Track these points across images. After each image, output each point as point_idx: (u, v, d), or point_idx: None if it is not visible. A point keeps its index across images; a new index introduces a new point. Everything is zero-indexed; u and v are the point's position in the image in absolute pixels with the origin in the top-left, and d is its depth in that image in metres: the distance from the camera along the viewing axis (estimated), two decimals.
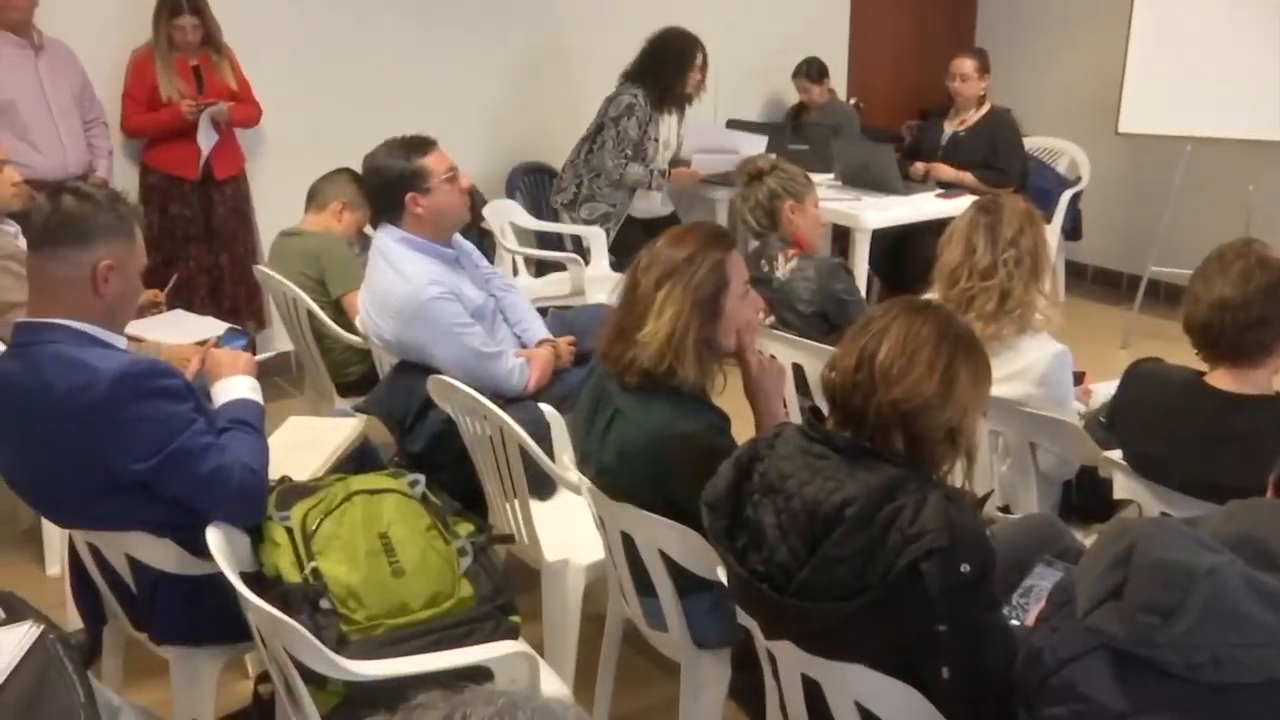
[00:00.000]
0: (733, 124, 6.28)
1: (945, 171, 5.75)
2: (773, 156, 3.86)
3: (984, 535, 1.83)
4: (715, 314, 2.38)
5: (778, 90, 6.74)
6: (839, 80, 6.83)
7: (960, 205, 4.78)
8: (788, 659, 1.96)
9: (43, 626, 2.00)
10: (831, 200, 5.26)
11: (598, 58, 5.70)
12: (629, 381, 2.39)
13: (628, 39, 6.00)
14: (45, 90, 4.50)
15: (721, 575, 2.14)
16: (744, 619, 2.07)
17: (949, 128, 5.91)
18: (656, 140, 5.49)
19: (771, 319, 3.49)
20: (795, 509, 1.88)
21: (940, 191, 5.64)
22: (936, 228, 3.24)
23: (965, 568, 1.74)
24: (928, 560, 1.73)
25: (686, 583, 2.40)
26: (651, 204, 5.64)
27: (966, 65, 5.79)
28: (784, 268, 3.69)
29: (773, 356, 2.65)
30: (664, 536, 2.34)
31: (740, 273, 2.45)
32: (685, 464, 2.28)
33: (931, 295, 2.90)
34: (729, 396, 2.51)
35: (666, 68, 5.41)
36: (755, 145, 5.47)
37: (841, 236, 5.68)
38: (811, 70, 6.42)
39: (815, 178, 4.06)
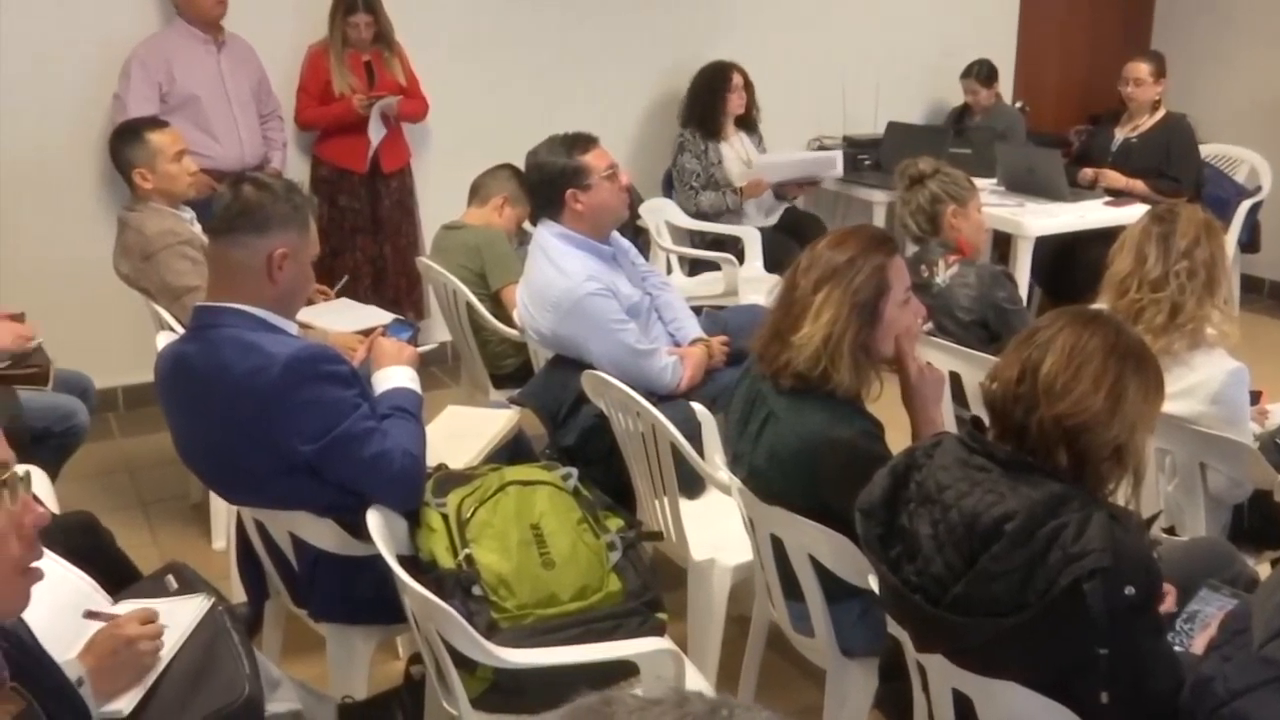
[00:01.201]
0: (892, 126, 6.18)
1: (1115, 179, 5.57)
2: (934, 160, 3.78)
3: (1150, 557, 1.77)
4: (874, 319, 2.35)
5: (941, 92, 6.61)
6: (1005, 83, 6.66)
7: (1130, 214, 4.64)
8: (939, 673, 1.92)
9: (213, 599, 2.09)
10: (994, 205, 5.14)
11: (755, 61, 5.68)
12: (783, 384, 2.38)
13: (783, 42, 6.01)
14: (226, 84, 4.69)
15: (872, 583, 2.11)
16: (894, 629, 2.04)
17: (1120, 134, 5.72)
18: (720, 163, 5.56)
19: (930, 325, 3.43)
20: (953, 521, 1.84)
21: (1108, 199, 5.45)
22: (1102, 236, 3.14)
23: (1130, 590, 1.69)
24: (1090, 580, 1.68)
25: (835, 589, 2.38)
26: (752, 219, 5.64)
27: (1141, 69, 5.59)
28: (944, 274, 3.62)
29: (930, 364, 2.60)
30: (814, 541, 2.32)
31: (902, 278, 2.41)
32: (837, 469, 2.26)
33: (1098, 306, 2.81)
34: (884, 404, 2.47)
35: (700, 99, 5.59)
36: (829, 164, 5.64)
37: (1002, 243, 5.55)
38: (982, 72, 6.28)
39: (978, 182, 3.97)
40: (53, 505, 2.83)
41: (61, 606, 1.96)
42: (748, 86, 5.61)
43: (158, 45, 4.61)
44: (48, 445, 3.38)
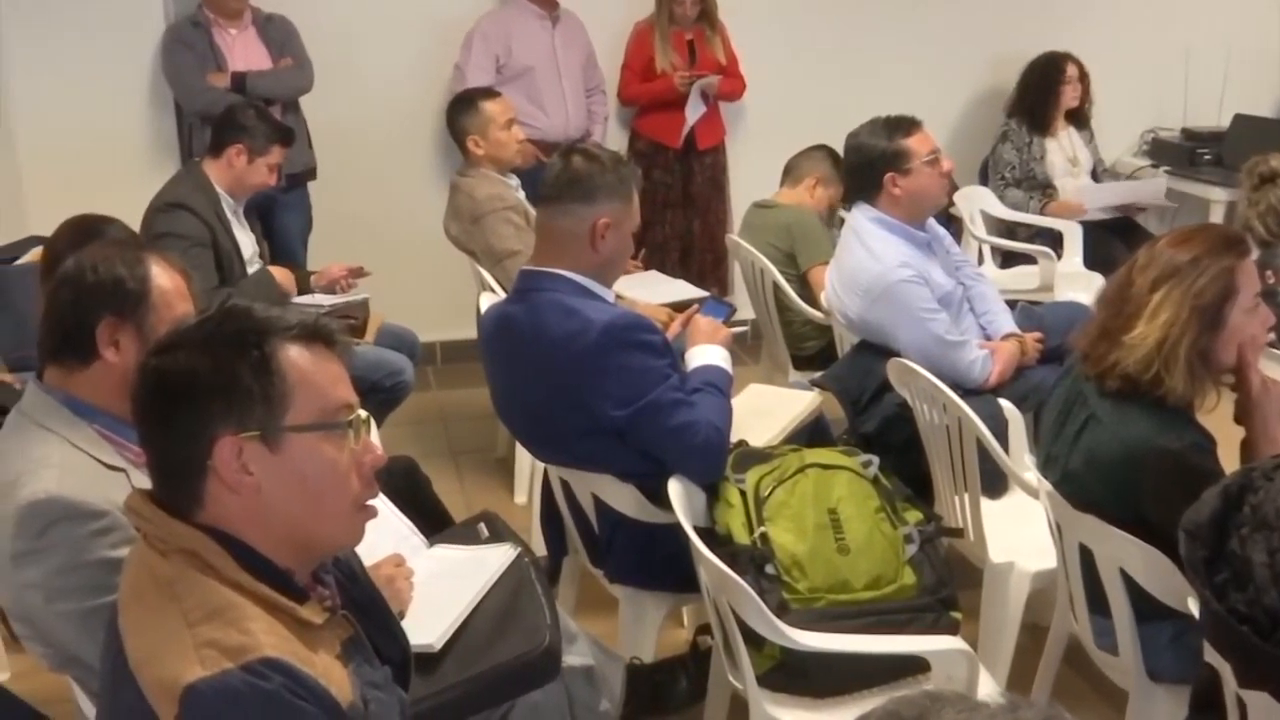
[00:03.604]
0: (1240, 119, 5.74)
1: None
2: None
3: None
4: (1216, 324, 2.19)
5: None
6: None
7: None
8: (1264, 712, 1.77)
9: (519, 549, 2.18)
10: None
11: (1090, 49, 5.40)
12: (1108, 386, 2.25)
13: (1122, 28, 5.69)
14: (558, 58, 4.88)
15: (1191, 607, 1.98)
16: (1212, 658, 1.90)
17: None
18: (1043, 159, 5.30)
19: (1274, 336, 3.17)
20: None
21: None
22: None
23: None
24: None
25: (1146, 608, 2.24)
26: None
27: None
28: None
29: (1275, 380, 2.40)
30: (1129, 555, 2.19)
31: (1251, 283, 2.24)
32: (1162, 482, 2.13)
33: None
34: (1216, 417, 2.30)
35: (1032, 91, 5.34)
36: (1154, 193, 5.37)
37: None
38: None
39: None
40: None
41: (372, 545, 2.10)
42: (1083, 79, 5.35)
43: (498, 19, 4.85)
44: (374, 399, 3.62)
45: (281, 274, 3.88)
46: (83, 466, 1.86)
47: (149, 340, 1.83)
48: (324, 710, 1.32)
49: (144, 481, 1.68)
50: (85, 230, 2.61)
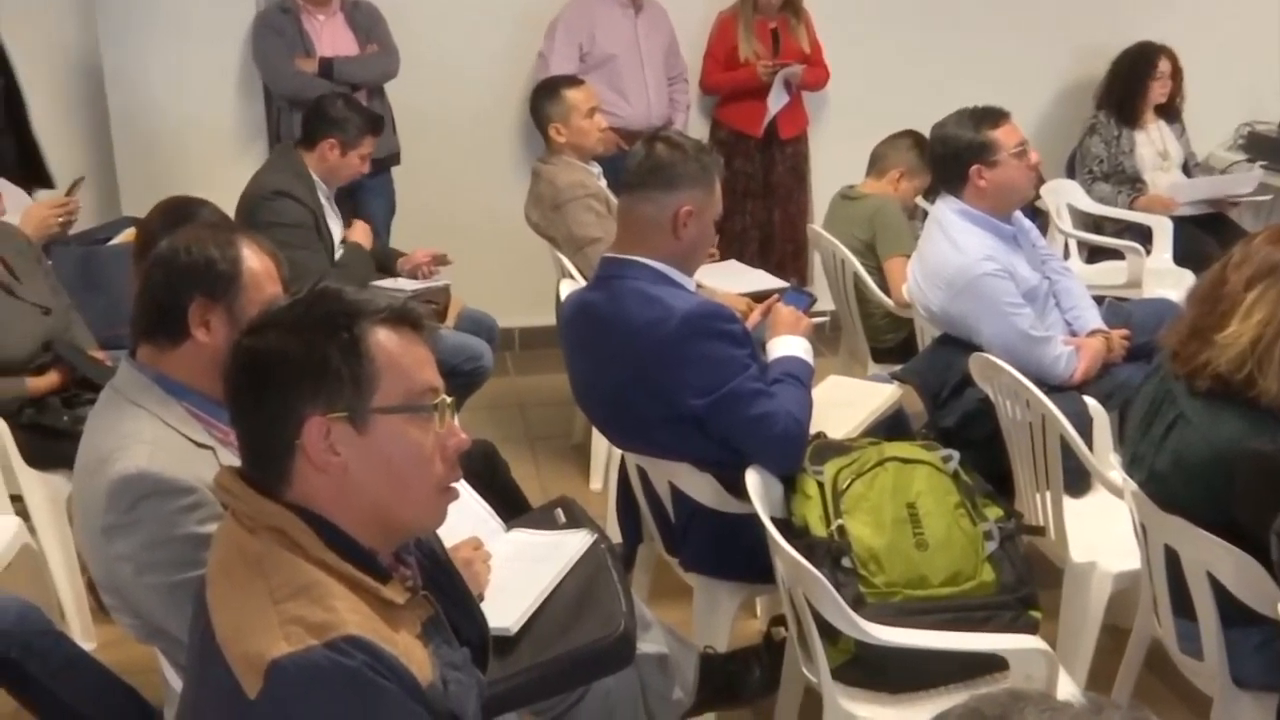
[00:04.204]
0: None
1: None
2: None
3: None
4: None
5: None
6: None
7: None
8: None
9: (596, 535, 2.19)
10: None
11: (1185, 40, 5.26)
12: (1199, 385, 2.20)
13: (1220, 19, 5.53)
14: (641, 47, 4.88)
15: None
16: None
17: None
18: (1132, 152, 5.18)
19: None
20: None
21: None
22: None
23: None
24: None
25: (1234, 612, 2.19)
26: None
27: None
28: None
29: None
30: (1216, 558, 2.14)
31: None
32: (1253, 485, 2.08)
33: None
34: None
35: (1121, 82, 5.21)
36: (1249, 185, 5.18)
37: None
38: None
39: None
40: None
41: (451, 527, 2.12)
42: (1175, 74, 5.21)
43: (583, 8, 4.86)
44: (453, 383, 3.63)
45: (362, 234, 4.00)
46: (172, 443, 1.90)
47: (239, 321, 1.86)
48: (405, 689, 1.33)
49: (231, 459, 1.72)
50: (178, 212, 2.67)
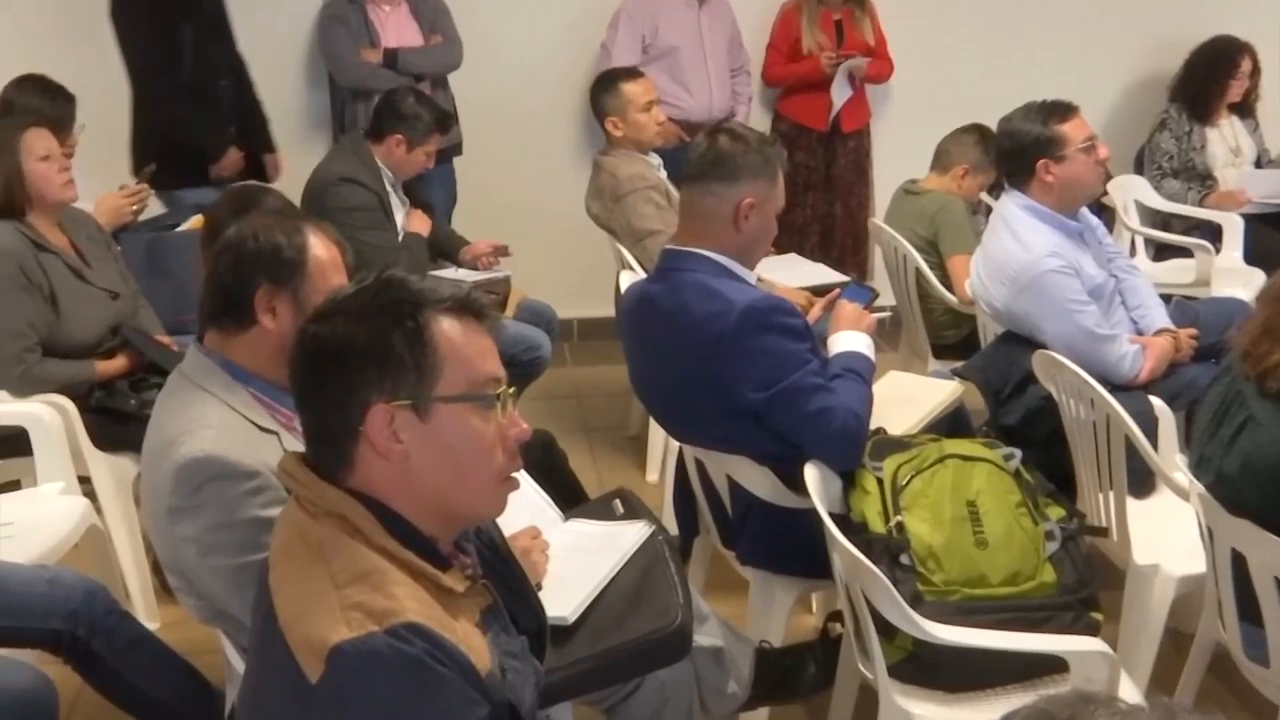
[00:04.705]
0: None
1: None
2: None
3: None
4: None
5: None
6: None
7: None
8: None
9: (654, 527, 2.20)
10: None
11: (1255, 32, 5.15)
12: (1270, 387, 2.16)
13: None
14: (703, 38, 4.86)
15: None
16: None
17: None
18: (1203, 148, 5.06)
19: None
20: None
21: None
22: None
23: None
24: None
25: None
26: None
27: None
28: None
29: None
30: None
31: None
32: None
33: None
34: None
35: (1197, 77, 5.08)
36: None
37: None
38: None
39: None
40: None
41: (510, 517, 2.13)
42: (1254, 72, 5.09)
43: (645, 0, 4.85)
44: (512, 373, 3.65)
45: (420, 223, 4.06)
46: (237, 428, 1.93)
47: (304, 308, 1.88)
48: (463, 676, 1.34)
49: (295, 444, 1.74)
50: (244, 200, 2.70)
